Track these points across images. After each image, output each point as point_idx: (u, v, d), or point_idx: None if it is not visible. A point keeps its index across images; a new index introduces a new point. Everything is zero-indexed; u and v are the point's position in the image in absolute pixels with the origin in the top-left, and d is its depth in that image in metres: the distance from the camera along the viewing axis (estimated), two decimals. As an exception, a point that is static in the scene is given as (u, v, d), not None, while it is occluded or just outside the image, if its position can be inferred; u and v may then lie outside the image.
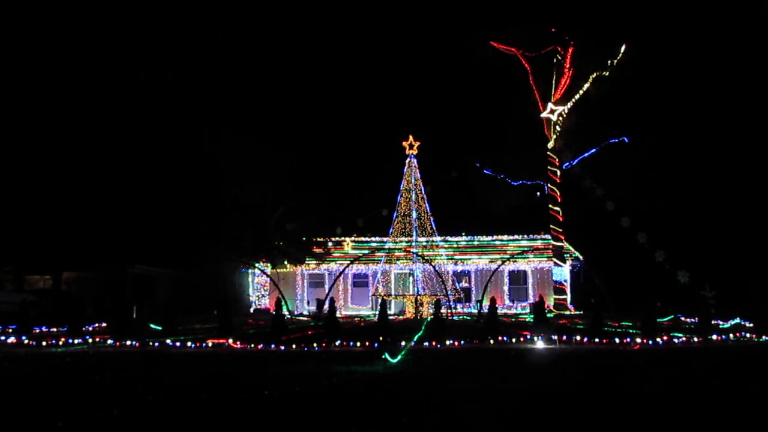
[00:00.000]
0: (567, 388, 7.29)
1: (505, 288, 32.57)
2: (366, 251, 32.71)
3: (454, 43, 39.33)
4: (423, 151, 31.00)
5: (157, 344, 12.90)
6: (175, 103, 33.73)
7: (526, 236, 34.50)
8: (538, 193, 32.92)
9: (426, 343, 12.45)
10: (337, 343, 12.54)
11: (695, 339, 13.18)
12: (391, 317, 19.50)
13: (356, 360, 9.90)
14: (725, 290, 23.90)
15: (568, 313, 29.09)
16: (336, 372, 8.42)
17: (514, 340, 12.98)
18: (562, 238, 31.42)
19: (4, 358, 10.53)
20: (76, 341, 13.52)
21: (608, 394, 6.93)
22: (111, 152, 33.82)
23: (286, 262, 32.31)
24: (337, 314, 15.96)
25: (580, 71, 30.69)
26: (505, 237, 34.31)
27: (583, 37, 30.29)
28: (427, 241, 30.41)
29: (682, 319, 20.83)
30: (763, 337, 13.39)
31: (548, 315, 18.34)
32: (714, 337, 13.48)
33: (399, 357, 9.86)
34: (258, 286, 33.21)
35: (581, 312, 28.48)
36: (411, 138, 30.67)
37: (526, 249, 32.79)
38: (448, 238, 33.38)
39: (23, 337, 14.18)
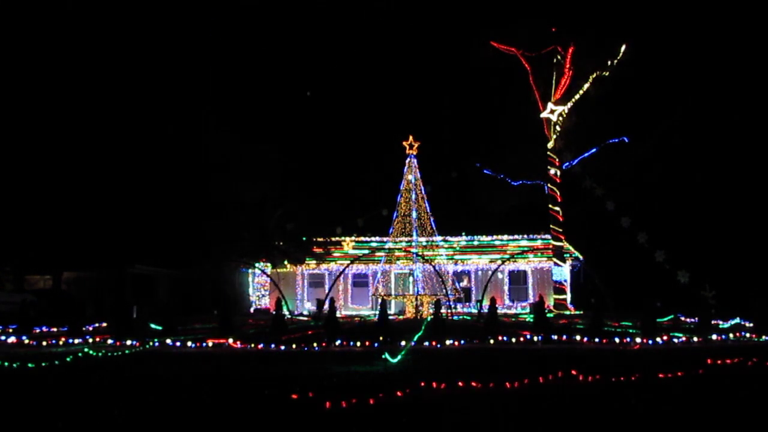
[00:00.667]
0: (567, 388, 7.29)
1: (505, 288, 32.59)
2: (366, 251, 32.73)
3: (454, 42, 39.43)
4: (423, 151, 31.09)
5: (157, 344, 12.88)
6: (176, 103, 33.78)
7: (526, 236, 34.51)
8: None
9: (426, 343, 12.43)
10: (337, 342, 12.53)
11: (695, 339, 13.19)
12: (391, 317, 19.52)
13: (356, 360, 9.89)
14: (725, 290, 23.91)
15: (568, 313, 29.11)
16: (336, 372, 8.42)
17: (514, 340, 12.98)
18: (562, 238, 31.43)
19: (4, 358, 10.53)
20: (76, 341, 13.51)
21: (608, 394, 6.94)
22: (111, 152, 33.85)
23: (286, 262, 32.34)
24: (337, 314, 15.97)
25: (580, 71, 30.73)
26: (505, 237, 34.33)
27: (583, 37, 30.31)
28: (427, 241, 30.42)
29: (682, 319, 20.86)
30: (763, 337, 13.40)
31: (548, 315, 18.33)
32: (714, 337, 13.49)
33: (399, 357, 9.85)
34: (258, 286, 33.25)
35: (581, 312, 28.50)
36: (411, 138, 30.71)
37: (526, 249, 32.80)
38: (448, 238, 33.41)
39: (23, 337, 14.17)
